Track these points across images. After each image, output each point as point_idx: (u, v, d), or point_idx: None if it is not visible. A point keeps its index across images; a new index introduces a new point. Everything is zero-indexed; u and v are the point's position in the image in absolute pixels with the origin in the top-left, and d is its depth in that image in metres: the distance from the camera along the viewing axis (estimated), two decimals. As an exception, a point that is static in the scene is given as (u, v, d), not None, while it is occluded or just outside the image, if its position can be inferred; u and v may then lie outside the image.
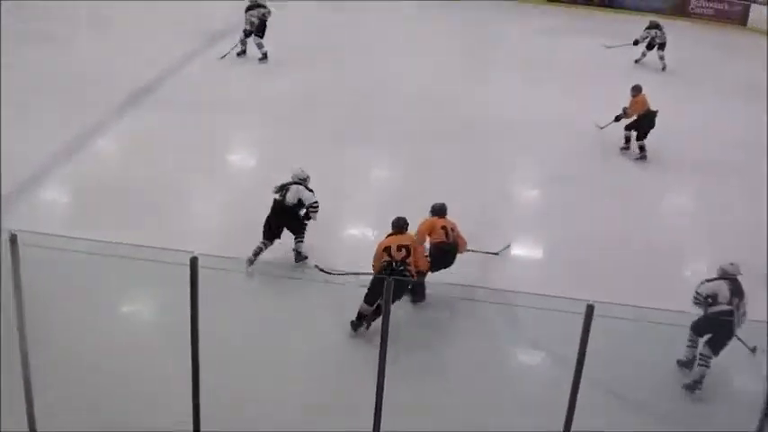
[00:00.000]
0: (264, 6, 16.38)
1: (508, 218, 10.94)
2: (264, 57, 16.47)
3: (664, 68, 18.14)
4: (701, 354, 7.68)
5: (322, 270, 8.63)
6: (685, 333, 7.70)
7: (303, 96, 14.66)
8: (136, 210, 10.06)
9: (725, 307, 7.61)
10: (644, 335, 7.43)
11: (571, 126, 14.12)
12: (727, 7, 24.33)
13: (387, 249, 7.99)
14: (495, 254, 9.72)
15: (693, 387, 7.64)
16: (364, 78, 16.04)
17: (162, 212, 10.05)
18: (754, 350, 7.87)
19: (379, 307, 7.56)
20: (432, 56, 17.97)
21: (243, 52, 16.63)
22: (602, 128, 13.76)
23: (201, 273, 5.70)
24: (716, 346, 7.61)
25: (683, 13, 24.27)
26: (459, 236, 8.78)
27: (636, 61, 18.47)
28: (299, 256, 9.24)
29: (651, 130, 13.23)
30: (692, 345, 7.88)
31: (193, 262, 5.69)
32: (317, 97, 14.71)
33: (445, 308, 8.56)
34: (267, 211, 9.07)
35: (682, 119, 14.73)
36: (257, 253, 8.97)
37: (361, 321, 8.02)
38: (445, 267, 8.69)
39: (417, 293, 8.57)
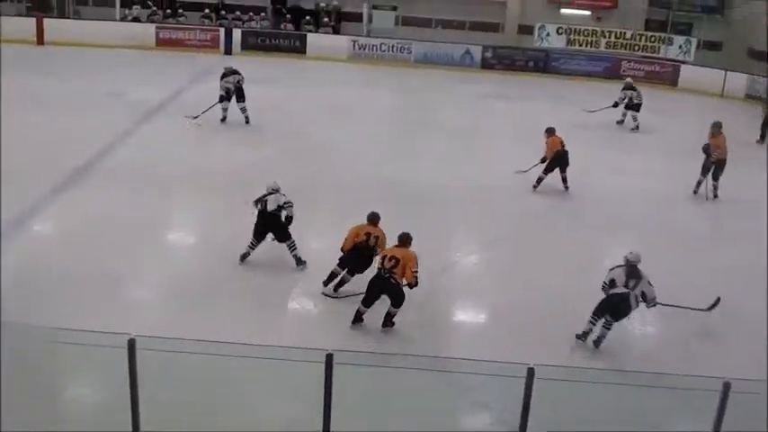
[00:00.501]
0: (239, 73, 17.06)
1: (448, 284, 10.94)
2: (247, 120, 17.25)
3: (637, 128, 18.96)
4: (605, 319, 9.13)
5: (328, 296, 9.98)
6: (629, 391, 7.86)
7: (243, 168, 14.74)
8: (79, 293, 9.85)
9: (622, 290, 9.06)
10: (586, 394, 7.53)
11: (505, 189, 14.49)
12: (658, 68, 25.49)
13: (383, 257, 9.35)
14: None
15: (594, 342, 9.14)
16: (304, 146, 16.24)
17: (104, 293, 9.93)
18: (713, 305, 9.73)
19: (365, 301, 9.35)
20: (370, 122, 18.47)
21: (223, 119, 17.25)
22: (525, 171, 14.57)
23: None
24: (617, 319, 9.17)
25: (616, 76, 25.21)
26: (381, 245, 9.81)
27: (618, 122, 19.23)
28: (300, 261, 10.65)
29: (567, 168, 14.26)
30: (592, 323, 9.22)
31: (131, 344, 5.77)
32: (255, 169, 14.69)
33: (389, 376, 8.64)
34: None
35: (618, 177, 15.41)
36: (246, 255, 10.59)
37: (358, 319, 9.43)
38: (358, 270, 9.94)
39: (395, 300, 9.32)
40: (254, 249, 10.71)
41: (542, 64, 25.97)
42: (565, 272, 11.14)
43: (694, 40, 25.64)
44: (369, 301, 9.42)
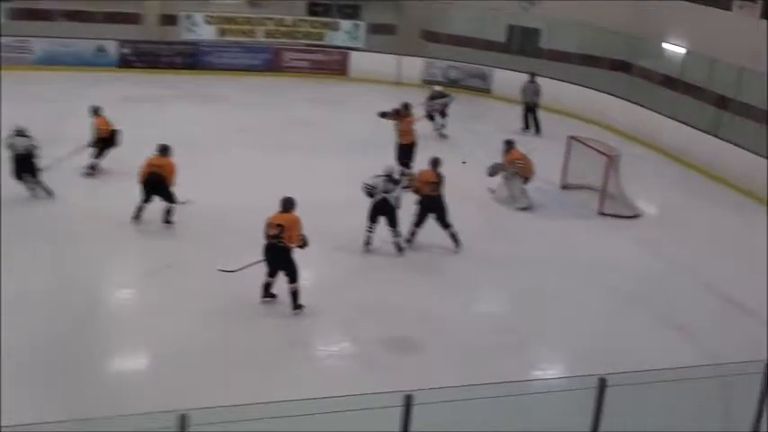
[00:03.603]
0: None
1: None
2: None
3: (443, 136, 19.70)
4: (391, 231, 13.10)
5: (224, 270, 11.41)
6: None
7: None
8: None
9: (381, 195, 12.88)
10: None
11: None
12: (324, 57, 25.40)
13: (268, 225, 11.00)
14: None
15: (404, 246, 13.25)
16: None
17: None
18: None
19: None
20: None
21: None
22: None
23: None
24: (391, 222, 13.06)
25: (277, 69, 24.98)
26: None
27: (442, 135, 19.74)
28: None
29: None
30: (370, 230, 13.12)
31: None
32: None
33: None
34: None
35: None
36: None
37: (267, 291, 11.25)
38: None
39: (289, 276, 11.12)
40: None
41: (192, 59, 24.93)
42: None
43: (363, 24, 25.80)
44: (271, 271, 11.15)
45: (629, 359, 9.99)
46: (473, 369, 10.21)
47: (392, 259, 13.31)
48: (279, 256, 11.01)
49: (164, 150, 13.65)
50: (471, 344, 10.94)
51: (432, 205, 13.34)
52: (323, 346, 10.94)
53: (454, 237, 13.49)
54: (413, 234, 13.53)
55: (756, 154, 17.56)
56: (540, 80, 21.23)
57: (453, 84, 23.92)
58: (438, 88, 20.36)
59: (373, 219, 13.20)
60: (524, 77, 21.58)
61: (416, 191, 13.40)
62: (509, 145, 16.01)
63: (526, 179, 15.82)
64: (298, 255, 11.21)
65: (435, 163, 13.57)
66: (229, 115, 20.37)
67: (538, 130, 21.03)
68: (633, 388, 7.94)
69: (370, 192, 13.06)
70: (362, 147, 17.69)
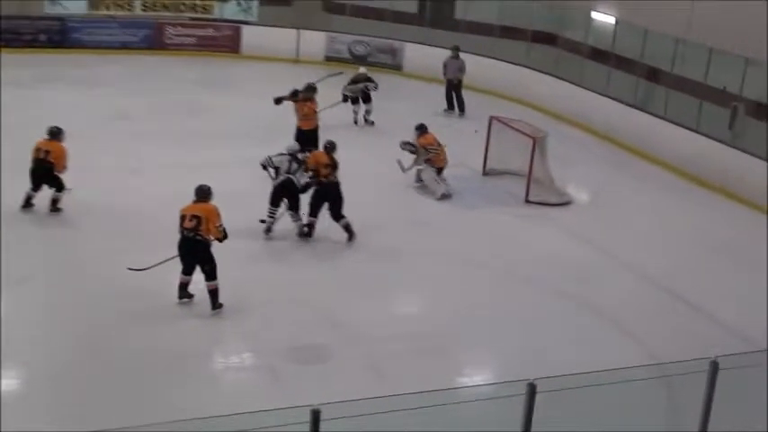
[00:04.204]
0: None
1: None
2: None
3: (369, 123, 19.91)
4: (290, 215, 13.55)
5: (134, 269, 11.51)
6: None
7: None
8: None
9: (285, 175, 13.34)
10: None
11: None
12: (212, 33, 25.20)
13: (182, 218, 11.08)
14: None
15: (306, 234, 13.59)
16: None
17: None
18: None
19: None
20: None
21: None
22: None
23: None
24: (293, 205, 13.49)
25: (159, 46, 24.72)
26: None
27: (367, 122, 19.94)
28: None
29: None
30: (272, 215, 13.51)
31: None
32: None
33: None
34: None
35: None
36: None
37: (183, 291, 11.41)
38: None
39: (208, 273, 11.24)
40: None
41: (59, 37, 24.46)
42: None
43: (256, -5, 25.68)
44: (187, 268, 11.30)
45: (561, 361, 10.10)
46: (388, 377, 10.22)
47: (296, 252, 13.43)
48: (196, 251, 11.17)
49: (54, 134, 13.71)
50: (385, 349, 10.93)
51: (328, 193, 13.51)
52: (221, 357, 10.85)
53: (348, 228, 13.66)
54: (311, 226, 13.64)
55: (691, 130, 18.08)
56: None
57: (360, 60, 23.91)
58: (363, 70, 20.30)
59: (276, 202, 13.50)
60: (441, 52, 21.71)
61: (315, 173, 13.50)
62: (421, 130, 16.09)
63: (440, 169, 15.95)
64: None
65: (329, 148, 13.77)
66: (106, 101, 19.93)
67: (462, 110, 21.23)
68: (568, 392, 8.00)
69: (270, 166, 13.47)
70: (259, 133, 17.55)
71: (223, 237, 11.25)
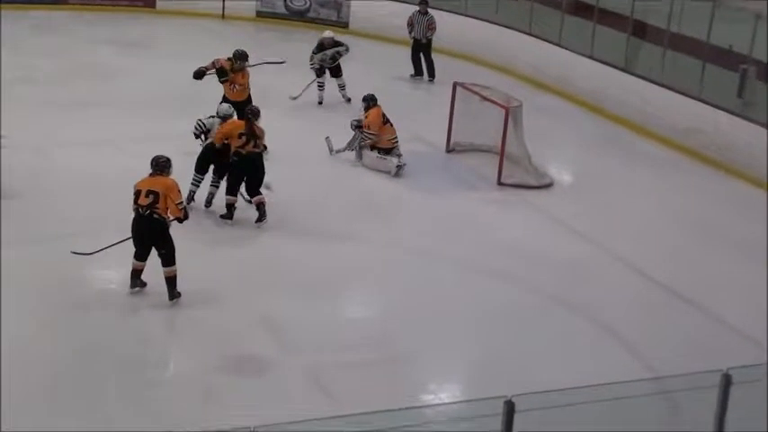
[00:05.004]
0: None
1: None
2: None
3: (346, 99, 19.66)
4: (211, 181, 14.05)
5: (78, 253, 11.82)
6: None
7: None
8: None
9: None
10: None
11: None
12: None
13: (137, 193, 11.29)
14: None
15: (226, 216, 13.88)
16: None
17: None
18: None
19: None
20: None
21: None
22: None
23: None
24: (220, 172, 13.93)
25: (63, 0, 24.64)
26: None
27: (344, 98, 19.63)
28: None
29: None
30: (196, 183, 13.99)
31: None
32: None
33: None
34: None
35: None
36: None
37: (137, 280, 11.66)
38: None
39: (165, 257, 11.47)
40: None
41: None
42: None
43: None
44: (140, 253, 11.52)
45: (543, 372, 10.10)
46: (335, 394, 10.10)
47: (217, 240, 13.53)
48: (153, 231, 11.40)
49: None
50: (332, 359, 10.82)
51: (247, 166, 13.70)
52: (153, 368, 10.73)
53: (260, 207, 13.83)
54: (231, 206, 13.90)
55: (692, 97, 18.10)
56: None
57: (298, 16, 23.74)
58: (329, 33, 20.00)
59: (203, 168, 14.02)
60: (394, 6, 21.53)
61: (226, 145, 13.72)
62: (369, 102, 16.14)
63: (386, 150, 16.02)
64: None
65: (251, 114, 13.89)
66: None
67: (432, 74, 21.31)
68: (552, 410, 7.93)
69: (202, 132, 14.07)
70: (179, 103, 17.54)
71: (184, 216, 11.57)
